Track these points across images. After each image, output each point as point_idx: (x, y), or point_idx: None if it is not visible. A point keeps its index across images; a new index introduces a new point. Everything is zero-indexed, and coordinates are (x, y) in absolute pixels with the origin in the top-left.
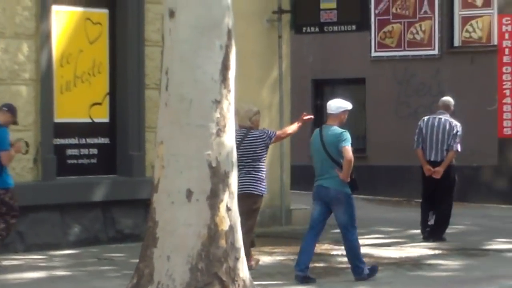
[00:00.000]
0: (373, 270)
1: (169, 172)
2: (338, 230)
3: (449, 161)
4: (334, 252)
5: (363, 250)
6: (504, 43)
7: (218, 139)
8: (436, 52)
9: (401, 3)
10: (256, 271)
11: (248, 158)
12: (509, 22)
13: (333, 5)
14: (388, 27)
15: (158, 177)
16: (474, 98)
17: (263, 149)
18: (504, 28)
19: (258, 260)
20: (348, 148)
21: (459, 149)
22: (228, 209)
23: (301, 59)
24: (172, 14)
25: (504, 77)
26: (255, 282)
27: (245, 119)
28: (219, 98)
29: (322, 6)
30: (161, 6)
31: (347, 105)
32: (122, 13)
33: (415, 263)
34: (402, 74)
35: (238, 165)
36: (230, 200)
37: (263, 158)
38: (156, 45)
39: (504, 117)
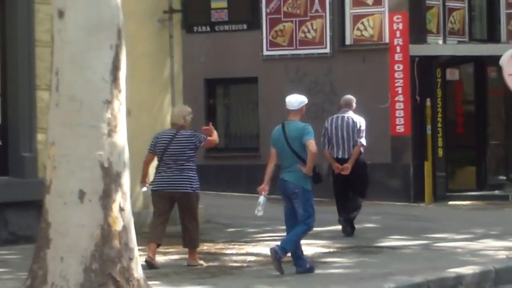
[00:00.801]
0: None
1: (61, 173)
2: (231, 229)
3: (355, 156)
4: (228, 251)
5: (258, 248)
6: (396, 41)
7: (110, 140)
8: (328, 50)
9: (292, 2)
10: (151, 271)
11: (179, 157)
12: (400, 20)
13: (224, 4)
14: (280, 26)
15: (50, 178)
16: (367, 96)
17: (192, 149)
18: (395, 26)
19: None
20: (312, 142)
21: (364, 143)
22: (121, 209)
23: (193, 59)
24: (61, 14)
25: (396, 75)
26: (150, 282)
27: (179, 117)
28: (110, 98)
29: (213, 5)
30: (50, 6)
31: (305, 99)
32: (12, 13)
33: (310, 261)
34: (294, 72)
35: (167, 164)
36: (123, 200)
37: (193, 158)
38: (47, 46)
39: (397, 114)
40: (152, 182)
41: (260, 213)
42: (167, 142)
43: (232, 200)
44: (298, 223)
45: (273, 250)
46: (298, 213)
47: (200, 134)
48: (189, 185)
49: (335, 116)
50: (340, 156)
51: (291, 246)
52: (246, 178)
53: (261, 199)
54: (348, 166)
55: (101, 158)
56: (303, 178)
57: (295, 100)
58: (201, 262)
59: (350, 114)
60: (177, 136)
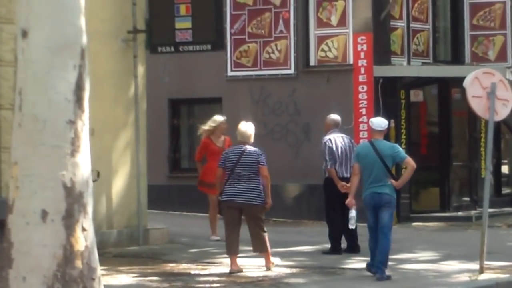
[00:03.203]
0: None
1: (23, 193)
2: (195, 250)
3: None
4: (192, 272)
5: (221, 269)
6: (360, 62)
7: (73, 160)
8: (292, 71)
9: (257, 22)
10: None
11: (248, 171)
12: (365, 41)
13: (188, 24)
14: (244, 47)
15: (13, 198)
16: None
17: (256, 164)
18: (359, 47)
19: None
20: (410, 159)
21: None
22: (84, 230)
23: (158, 79)
24: (24, 34)
25: (360, 96)
26: None
27: (247, 136)
28: (73, 118)
29: (178, 25)
30: (14, 26)
31: (387, 122)
32: None
33: (273, 282)
34: (258, 93)
35: (238, 177)
36: (85, 220)
37: (258, 172)
38: (10, 65)
39: (361, 135)
40: (222, 193)
41: (353, 226)
42: (237, 157)
43: (195, 220)
44: (381, 234)
45: (379, 278)
46: (383, 222)
47: (263, 155)
48: (257, 197)
49: (334, 135)
50: (346, 175)
51: (386, 256)
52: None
53: (354, 213)
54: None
55: (64, 178)
56: (394, 191)
57: (382, 122)
58: (273, 262)
59: (343, 135)
60: (245, 152)
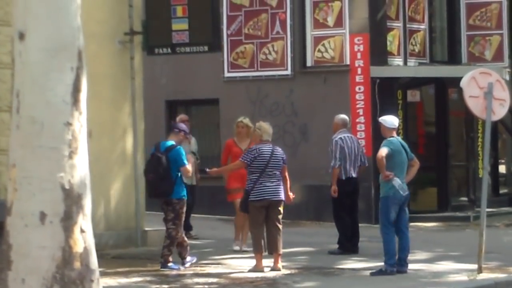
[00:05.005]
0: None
1: (22, 195)
2: (193, 251)
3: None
4: (189, 273)
5: (219, 269)
6: (357, 63)
7: (71, 162)
8: (289, 72)
9: (253, 23)
10: None
11: (278, 169)
12: (361, 41)
13: (185, 26)
14: (241, 48)
15: (11, 200)
16: (328, 118)
17: (282, 164)
18: (356, 47)
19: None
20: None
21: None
22: (82, 231)
23: (154, 80)
24: (22, 36)
25: (357, 96)
26: None
27: (270, 134)
28: (71, 120)
29: (174, 27)
30: (11, 28)
31: None
32: None
33: (271, 283)
34: (255, 94)
35: (269, 175)
36: (84, 222)
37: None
38: (8, 68)
39: (358, 136)
40: (253, 193)
41: (406, 192)
42: (268, 156)
43: (193, 221)
44: (405, 230)
45: (404, 271)
46: (406, 218)
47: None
48: (282, 193)
49: (344, 135)
50: (353, 175)
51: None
52: (207, 199)
53: (398, 180)
54: (336, 188)
55: (62, 180)
56: None
57: (394, 119)
58: (280, 267)
59: (351, 134)
60: (274, 151)
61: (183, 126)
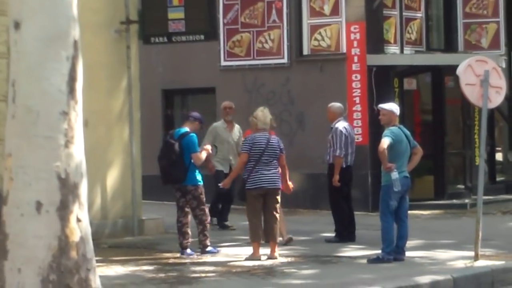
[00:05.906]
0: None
1: (18, 184)
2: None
3: None
4: (187, 261)
5: (216, 258)
6: (353, 51)
7: (67, 151)
8: (285, 60)
9: (250, 12)
10: (109, 282)
11: (274, 158)
12: (358, 30)
13: (181, 15)
14: (237, 36)
15: (7, 190)
16: (324, 106)
17: (279, 152)
18: (352, 36)
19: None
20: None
21: None
22: (79, 220)
23: (151, 69)
24: (17, 25)
25: (353, 84)
26: None
27: (267, 123)
28: (66, 109)
29: (170, 16)
30: (7, 18)
31: None
32: None
33: (268, 271)
34: (251, 83)
35: (265, 163)
36: (80, 211)
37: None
38: (4, 57)
39: (354, 124)
40: (249, 181)
41: (399, 188)
42: (264, 144)
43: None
44: (404, 218)
45: (401, 259)
46: (406, 206)
47: (282, 142)
48: (280, 181)
49: (344, 124)
50: (351, 163)
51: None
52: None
53: (397, 174)
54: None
55: (58, 169)
56: None
57: (395, 106)
58: (276, 255)
59: (348, 123)
60: (270, 140)
61: (198, 115)
